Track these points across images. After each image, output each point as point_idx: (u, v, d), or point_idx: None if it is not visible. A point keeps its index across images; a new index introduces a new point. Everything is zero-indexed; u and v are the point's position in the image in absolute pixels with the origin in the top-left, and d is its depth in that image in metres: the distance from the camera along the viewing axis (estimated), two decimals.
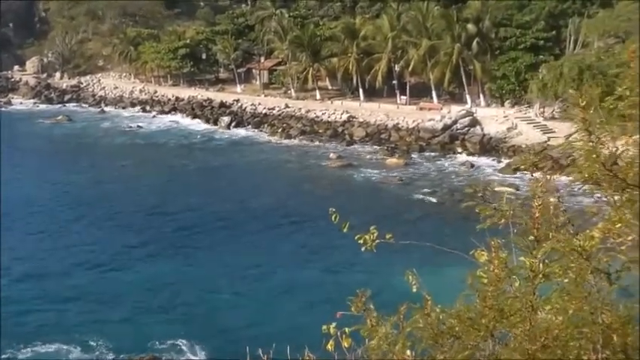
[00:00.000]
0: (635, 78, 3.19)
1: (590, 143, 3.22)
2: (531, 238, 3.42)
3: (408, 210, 38.79)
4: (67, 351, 22.70)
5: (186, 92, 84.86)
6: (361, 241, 5.09)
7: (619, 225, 3.56)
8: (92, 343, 23.16)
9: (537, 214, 3.38)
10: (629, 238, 3.64)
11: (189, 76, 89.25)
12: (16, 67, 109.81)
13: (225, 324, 24.45)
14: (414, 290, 4.68)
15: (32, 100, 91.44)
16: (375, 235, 5.07)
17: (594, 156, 3.21)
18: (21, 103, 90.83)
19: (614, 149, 3.39)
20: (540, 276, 3.39)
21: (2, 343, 22.63)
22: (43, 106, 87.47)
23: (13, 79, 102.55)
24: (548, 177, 3.72)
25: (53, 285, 28.34)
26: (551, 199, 3.64)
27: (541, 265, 3.38)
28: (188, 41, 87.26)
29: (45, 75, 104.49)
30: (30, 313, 25.52)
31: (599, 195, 3.59)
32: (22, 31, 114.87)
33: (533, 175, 3.79)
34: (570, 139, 3.33)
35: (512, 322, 3.55)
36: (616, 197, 3.52)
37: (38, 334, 23.65)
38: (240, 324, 24.17)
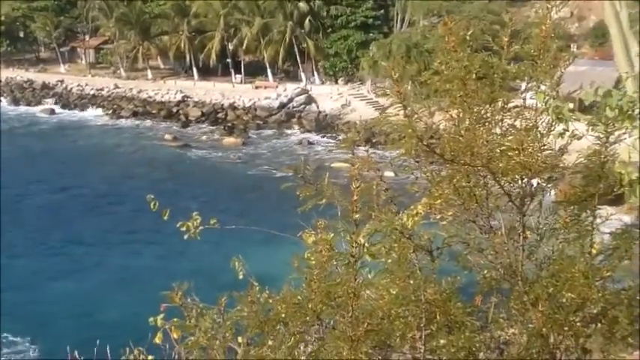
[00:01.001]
0: (449, 52, 3.14)
1: (406, 118, 3.13)
2: (351, 220, 3.30)
3: (244, 190, 38.72)
4: None
5: (3, 73, 78.50)
6: (184, 229, 4.85)
7: (439, 201, 3.53)
8: None
9: (356, 197, 3.25)
10: (449, 213, 3.63)
11: (6, 56, 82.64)
12: None
13: (52, 317, 23.12)
14: (241, 277, 4.58)
15: None
16: (199, 221, 4.86)
17: (410, 130, 3.11)
18: None
19: (430, 124, 3.34)
20: (360, 260, 3.28)
21: None
22: None
23: None
24: (366, 155, 3.62)
25: None
26: (373, 178, 3.55)
27: (361, 248, 3.27)
28: (3, 18, 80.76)
29: None
30: None
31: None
32: None
33: (353, 153, 3.67)
34: (385, 113, 3.23)
35: (338, 306, 3.45)
36: (435, 173, 3.49)
37: None
38: (67, 317, 22.97)
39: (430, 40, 51.32)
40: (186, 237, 4.78)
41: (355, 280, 3.26)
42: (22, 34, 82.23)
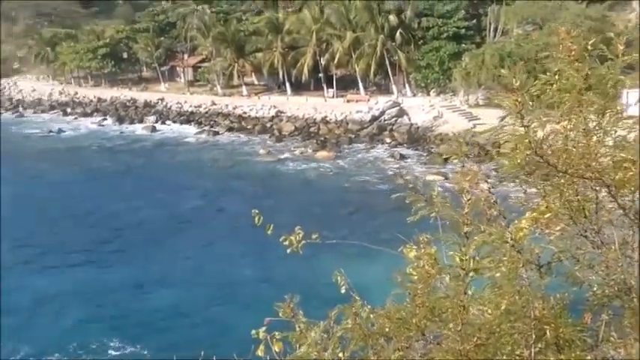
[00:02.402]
0: (564, 62, 3.06)
1: (522, 128, 3.07)
2: (461, 233, 3.26)
3: (339, 204, 38.82)
4: None
5: (108, 93, 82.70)
6: (286, 243, 4.94)
7: (548, 215, 3.45)
8: (24, 349, 22.42)
9: (467, 210, 3.21)
10: (558, 228, 3.54)
11: (111, 76, 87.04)
12: None
13: (157, 327, 23.95)
14: (343, 291, 4.55)
15: None
16: (301, 235, 4.92)
17: (526, 141, 3.06)
18: None
19: (543, 135, 3.26)
20: (471, 273, 3.24)
21: None
22: None
23: None
24: (477, 168, 3.57)
25: None
26: (482, 191, 3.51)
27: (472, 261, 3.23)
28: (108, 40, 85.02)
29: None
30: None
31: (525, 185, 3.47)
32: None
33: (463, 165, 3.65)
34: (502, 123, 3.18)
35: (443, 321, 3.42)
36: (544, 186, 3.41)
37: None
38: (171, 328, 23.72)
39: (524, 49, 50.04)
40: (288, 251, 4.81)
41: (465, 294, 3.21)
42: (125, 55, 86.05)
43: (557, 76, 3.10)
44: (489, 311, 3.41)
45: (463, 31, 63.54)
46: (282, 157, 52.93)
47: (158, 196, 42.46)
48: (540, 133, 3.24)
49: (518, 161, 3.21)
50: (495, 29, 62.04)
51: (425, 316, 3.53)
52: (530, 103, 3.20)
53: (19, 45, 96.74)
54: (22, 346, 22.89)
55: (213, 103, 71.68)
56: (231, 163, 51.44)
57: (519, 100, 3.03)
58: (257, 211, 5.11)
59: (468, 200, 3.23)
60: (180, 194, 42.62)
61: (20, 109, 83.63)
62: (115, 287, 27.85)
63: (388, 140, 56.06)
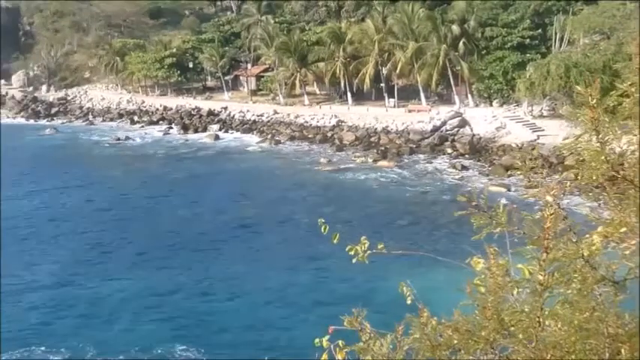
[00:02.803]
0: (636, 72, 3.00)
1: (598, 144, 3.04)
2: (541, 248, 3.22)
3: (401, 214, 38.63)
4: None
5: (174, 101, 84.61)
6: (352, 253, 4.98)
7: (623, 229, 3.38)
8: (91, 350, 23.05)
9: (549, 224, 3.17)
10: (633, 242, 3.46)
11: (177, 86, 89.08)
12: (2, 82, 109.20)
13: (220, 331, 24.35)
14: (409, 302, 4.56)
15: (19, 114, 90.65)
16: (367, 245, 4.91)
17: (602, 157, 3.02)
18: (7, 117, 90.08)
19: (619, 149, 3.21)
20: (548, 289, 3.19)
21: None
22: (31, 120, 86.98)
23: None
24: (555, 182, 3.53)
25: (53, 294, 28.12)
26: (555, 205, 3.46)
27: (549, 277, 3.19)
28: (174, 50, 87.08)
29: (31, 88, 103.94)
30: (28, 322, 25.31)
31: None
32: (7, 45, 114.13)
33: (528, 179, 3.60)
34: (579, 139, 3.13)
35: (515, 336, 3.37)
36: (618, 200, 3.34)
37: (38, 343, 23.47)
38: (233, 332, 24.04)
39: (591, 59, 48.80)
40: (354, 260, 4.82)
41: (542, 309, 3.17)
42: (190, 65, 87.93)
43: (633, 89, 3.05)
44: (562, 327, 3.35)
45: (528, 40, 62.53)
46: (343, 166, 53.06)
47: (220, 203, 43.17)
48: (616, 147, 3.19)
49: (594, 177, 3.16)
50: (561, 39, 60.72)
51: (494, 329, 3.49)
52: (606, 118, 3.15)
53: (91, 55, 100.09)
54: (87, 346, 23.52)
55: (275, 112, 72.50)
56: (293, 172, 51.87)
57: (595, 116, 2.99)
58: (323, 221, 5.18)
59: (551, 214, 3.19)
60: (242, 202, 43.23)
61: (90, 116, 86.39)
62: (177, 291, 28.41)
63: (449, 151, 55.51)
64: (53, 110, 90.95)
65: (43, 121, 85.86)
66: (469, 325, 3.63)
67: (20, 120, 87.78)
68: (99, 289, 28.86)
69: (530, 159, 41.01)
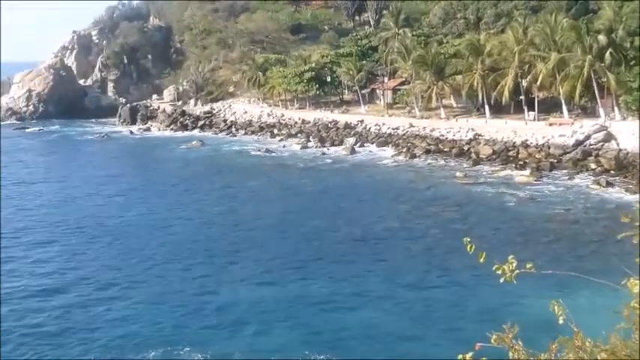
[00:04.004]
0: None
1: None
2: None
3: (542, 231, 37.52)
4: None
5: (312, 115, 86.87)
6: (499, 272, 4.89)
7: None
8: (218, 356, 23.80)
9: None
10: None
11: (315, 99, 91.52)
12: (154, 96, 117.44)
13: (353, 344, 24.32)
14: (561, 322, 4.57)
15: (169, 127, 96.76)
16: (515, 265, 4.88)
17: None
18: (159, 129, 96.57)
19: None
20: None
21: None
22: (179, 132, 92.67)
23: (151, 108, 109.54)
24: None
25: (187, 299, 29.48)
26: None
27: None
28: (313, 65, 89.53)
29: (180, 102, 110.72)
30: (166, 325, 26.71)
31: None
32: (160, 62, 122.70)
33: None
34: None
35: None
36: None
37: (175, 343, 24.68)
38: (365, 346, 24.03)
39: None
40: (501, 280, 4.87)
41: None
42: (329, 79, 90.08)
43: None
44: None
45: None
46: (480, 180, 52.30)
47: (354, 215, 43.85)
48: None
49: None
50: None
51: None
52: None
53: (235, 70, 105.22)
54: (218, 349, 24.31)
55: (411, 126, 72.64)
56: (427, 185, 51.79)
57: None
58: (469, 240, 5.20)
59: None
60: (376, 214, 43.64)
61: (233, 129, 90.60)
62: (310, 302, 28.53)
63: (593, 166, 53.17)
64: (199, 123, 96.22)
65: (189, 133, 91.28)
66: (628, 350, 3.60)
67: (169, 132, 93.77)
68: (231, 296, 29.51)
69: None
